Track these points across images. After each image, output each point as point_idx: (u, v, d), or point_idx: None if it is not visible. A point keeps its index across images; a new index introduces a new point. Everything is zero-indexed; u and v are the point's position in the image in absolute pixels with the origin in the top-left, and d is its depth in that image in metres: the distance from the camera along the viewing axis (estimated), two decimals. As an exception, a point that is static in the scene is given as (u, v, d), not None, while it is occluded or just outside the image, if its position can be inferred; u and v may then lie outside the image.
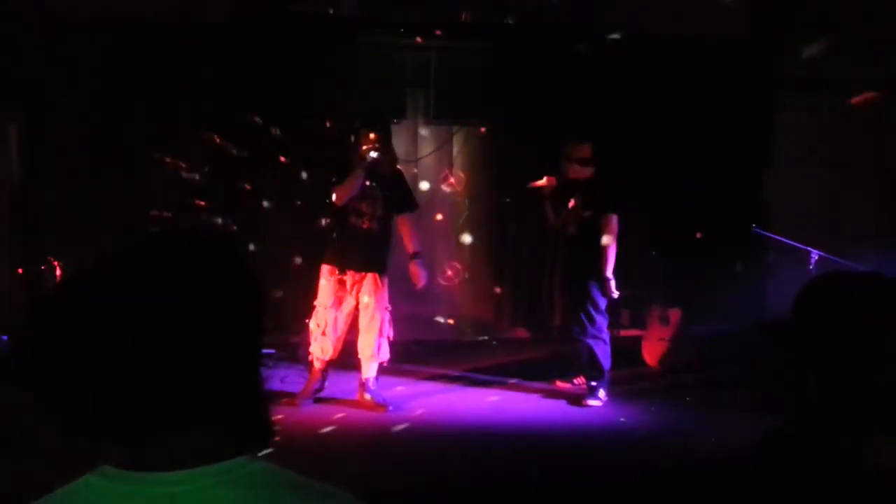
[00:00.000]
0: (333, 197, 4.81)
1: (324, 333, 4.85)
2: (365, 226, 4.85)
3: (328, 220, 5.13)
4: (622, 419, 4.89)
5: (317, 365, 4.97)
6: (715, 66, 7.04)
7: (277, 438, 0.97)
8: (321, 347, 4.90)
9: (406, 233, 5.04)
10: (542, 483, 3.92)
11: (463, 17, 6.78)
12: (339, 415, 4.85)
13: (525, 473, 4.03)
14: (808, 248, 5.76)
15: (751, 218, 6.77)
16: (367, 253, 4.84)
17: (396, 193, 5.01)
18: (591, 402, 5.14)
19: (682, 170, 6.96)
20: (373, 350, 4.88)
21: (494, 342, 6.84)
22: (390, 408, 4.91)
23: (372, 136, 4.85)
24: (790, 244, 5.97)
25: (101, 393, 0.83)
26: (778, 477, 1.26)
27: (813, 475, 1.22)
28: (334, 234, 4.93)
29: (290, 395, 5.02)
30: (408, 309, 7.18)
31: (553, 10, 6.80)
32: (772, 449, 1.28)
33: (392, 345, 5.01)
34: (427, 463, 4.14)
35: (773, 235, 6.28)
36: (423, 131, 7.29)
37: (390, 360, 5.07)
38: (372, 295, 4.84)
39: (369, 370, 4.95)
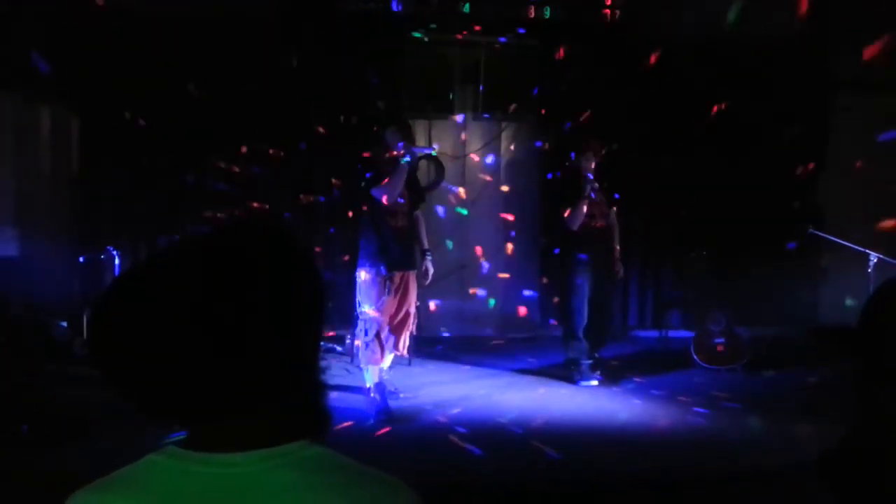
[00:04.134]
0: (382, 198, 4.65)
1: (378, 340, 4.67)
2: (400, 224, 4.77)
3: (363, 223, 4.84)
4: (670, 421, 4.82)
5: (375, 377, 4.74)
6: (770, 66, 6.88)
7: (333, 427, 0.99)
8: (379, 357, 4.69)
9: (420, 229, 4.99)
10: (584, 484, 3.89)
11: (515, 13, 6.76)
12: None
13: (565, 473, 4.01)
14: (866, 251, 5.60)
15: (805, 219, 6.62)
16: (406, 251, 4.79)
17: (414, 188, 4.97)
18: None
19: (735, 171, 6.83)
20: (407, 345, 4.93)
21: (539, 341, 6.80)
22: (399, 397, 5.03)
23: (401, 134, 4.78)
24: (847, 246, 5.82)
25: (168, 378, 0.86)
26: (846, 490, 1.22)
27: (884, 490, 1.18)
28: (371, 236, 4.72)
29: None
30: (450, 305, 7.24)
31: (604, 7, 6.74)
32: (839, 461, 1.24)
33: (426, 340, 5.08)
34: (460, 460, 4.14)
35: (829, 237, 6.12)
36: (472, 127, 7.28)
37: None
38: (413, 292, 4.85)
39: (389, 362, 4.95)
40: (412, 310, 4.88)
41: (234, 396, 0.88)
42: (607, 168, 5.73)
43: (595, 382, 5.52)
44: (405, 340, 4.90)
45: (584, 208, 5.43)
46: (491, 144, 7.30)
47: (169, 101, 6.35)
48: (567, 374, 5.61)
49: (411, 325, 4.92)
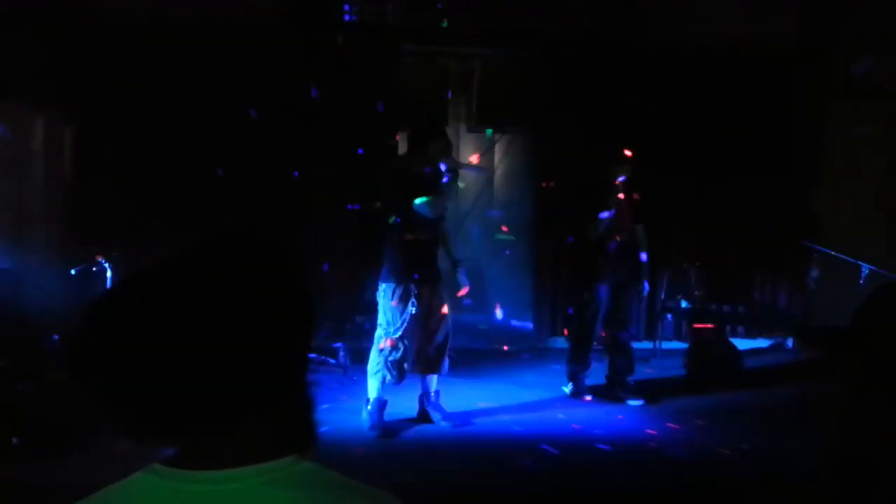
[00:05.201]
0: (427, 209, 4.54)
1: (400, 361, 4.55)
2: (424, 237, 4.65)
3: (391, 237, 4.66)
4: (661, 434, 4.82)
5: (376, 393, 4.63)
6: (763, 74, 6.93)
7: (321, 442, 0.98)
8: (397, 375, 4.56)
9: (445, 240, 4.90)
10: (579, 498, 3.88)
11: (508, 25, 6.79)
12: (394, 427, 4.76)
13: (564, 487, 4.00)
14: (859, 262, 5.64)
15: (799, 230, 6.65)
16: (431, 264, 4.69)
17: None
18: (635, 401, 5.33)
19: (728, 180, 6.86)
20: (440, 364, 4.74)
21: (535, 352, 6.79)
22: (455, 423, 4.75)
23: (447, 145, 4.69)
24: (839, 257, 5.85)
25: (152, 394, 0.85)
26: (843, 496, 1.23)
27: (879, 497, 1.18)
28: (398, 251, 4.58)
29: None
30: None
31: (598, 17, 6.78)
32: (834, 467, 1.25)
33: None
34: (465, 473, 4.13)
35: (821, 248, 6.16)
36: (466, 138, 7.31)
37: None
38: (442, 306, 4.70)
39: (434, 383, 4.79)
40: (447, 325, 4.72)
41: (221, 409, 0.87)
42: (635, 181, 5.46)
43: (588, 398, 5.38)
44: (442, 360, 4.74)
45: (606, 221, 5.19)
46: (485, 156, 7.33)
47: (164, 112, 6.35)
48: (569, 387, 5.52)
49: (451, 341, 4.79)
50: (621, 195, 5.23)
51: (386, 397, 4.68)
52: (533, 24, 6.85)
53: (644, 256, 5.44)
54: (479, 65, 7.04)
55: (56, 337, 5.31)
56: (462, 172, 6.90)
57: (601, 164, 5.34)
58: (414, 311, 4.52)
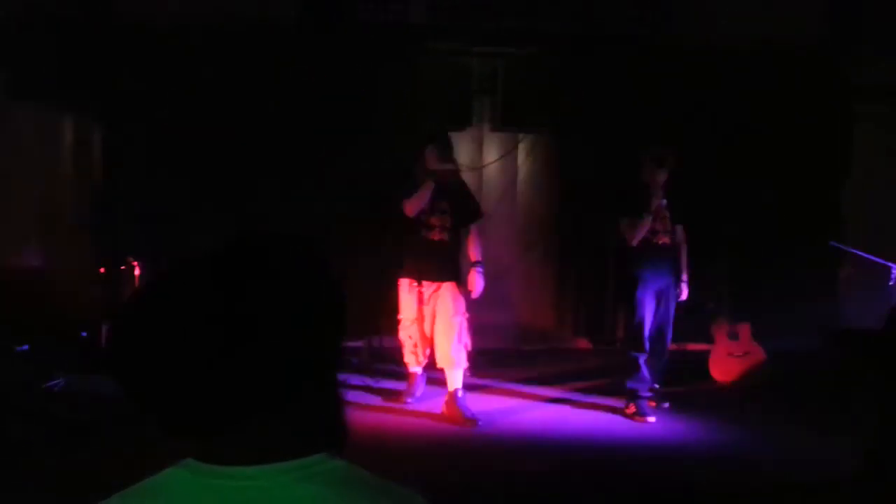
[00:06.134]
0: (405, 209, 4.93)
1: (415, 346, 5.08)
2: (436, 238, 5.00)
3: (403, 234, 5.14)
4: (686, 437, 4.78)
5: (412, 370, 5.23)
6: (791, 74, 6.85)
7: (352, 440, 0.99)
8: (415, 359, 5.14)
9: (470, 242, 5.16)
10: (601, 501, 3.86)
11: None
12: (419, 425, 4.85)
13: (583, 489, 3.98)
14: (888, 264, 5.55)
15: (827, 230, 6.56)
16: (441, 264, 4.98)
17: (462, 204, 5.15)
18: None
19: (755, 181, 6.79)
20: (451, 358, 4.90)
21: (557, 353, 6.76)
22: (480, 422, 4.83)
23: (437, 150, 5.02)
24: (869, 258, 5.76)
25: (185, 389, 0.86)
26: (885, 500, 1.21)
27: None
28: (408, 248, 5.07)
29: (391, 395, 5.37)
30: (468, 317, 7.21)
31: (622, 17, 6.74)
32: (876, 471, 1.23)
33: (468, 354, 5.02)
34: (485, 473, 4.13)
35: (850, 249, 6.06)
36: (489, 139, 7.29)
37: (467, 369, 5.06)
38: (449, 303, 4.93)
39: (455, 380, 4.94)
40: (453, 321, 4.90)
41: (251, 407, 0.88)
42: (678, 183, 5.20)
43: (652, 419, 4.98)
44: (450, 353, 4.88)
45: (647, 223, 4.99)
46: (508, 156, 7.30)
47: (192, 112, 6.41)
48: (624, 403, 5.17)
49: (459, 338, 4.91)
50: (662, 199, 5.02)
51: (420, 372, 5.23)
52: (557, 25, 6.83)
53: (684, 258, 5.29)
54: (502, 64, 7.02)
55: (84, 335, 5.39)
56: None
57: (642, 166, 5.10)
58: (415, 307, 4.97)
